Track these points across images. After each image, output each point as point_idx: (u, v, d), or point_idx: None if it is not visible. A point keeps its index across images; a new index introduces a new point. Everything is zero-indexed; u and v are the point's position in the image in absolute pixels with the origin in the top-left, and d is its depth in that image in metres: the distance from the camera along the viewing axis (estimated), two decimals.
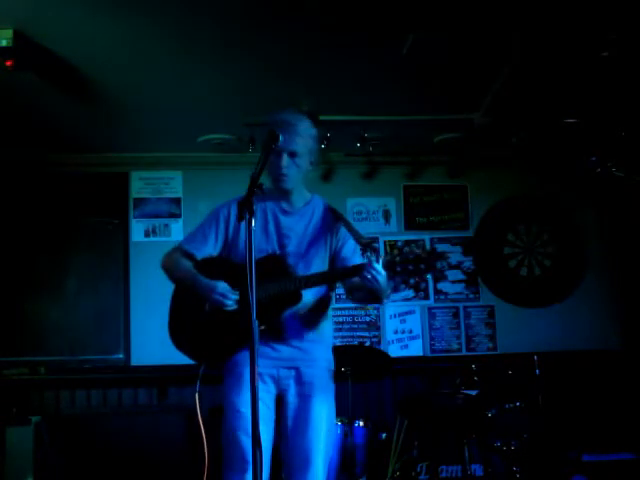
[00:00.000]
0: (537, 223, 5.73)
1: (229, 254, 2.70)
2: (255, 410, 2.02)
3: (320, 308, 2.70)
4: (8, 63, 3.61)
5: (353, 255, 2.71)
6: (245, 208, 2.13)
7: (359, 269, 2.44)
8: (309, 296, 2.62)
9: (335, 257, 2.71)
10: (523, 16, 3.52)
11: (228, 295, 2.53)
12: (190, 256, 2.71)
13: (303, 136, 2.62)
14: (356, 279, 2.51)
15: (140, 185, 5.46)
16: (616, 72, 4.06)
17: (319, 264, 2.67)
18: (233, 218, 2.66)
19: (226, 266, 2.66)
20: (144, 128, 4.91)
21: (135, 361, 5.19)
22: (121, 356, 5.21)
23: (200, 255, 2.70)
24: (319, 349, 2.71)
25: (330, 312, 2.79)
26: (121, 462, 4.67)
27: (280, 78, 4.17)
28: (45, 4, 3.32)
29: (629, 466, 4.34)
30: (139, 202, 5.43)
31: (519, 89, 4.34)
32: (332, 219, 2.73)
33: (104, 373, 5.17)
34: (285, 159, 2.60)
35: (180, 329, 2.70)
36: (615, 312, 5.52)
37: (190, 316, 2.68)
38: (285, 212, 2.71)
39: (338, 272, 2.64)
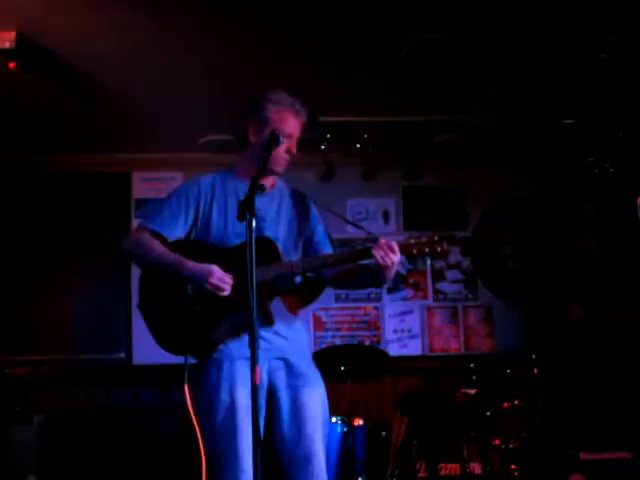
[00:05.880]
0: (536, 223, 5.74)
1: (198, 236, 2.54)
2: (255, 410, 1.97)
3: (312, 292, 2.61)
4: (11, 65, 3.65)
5: (325, 239, 2.63)
6: (246, 209, 2.05)
7: (369, 250, 2.33)
8: (297, 280, 2.53)
9: (308, 242, 2.62)
10: (523, 17, 3.55)
11: (226, 280, 2.36)
12: (161, 237, 2.50)
13: (303, 121, 2.56)
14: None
15: (141, 185, 5.50)
16: (614, 73, 4.08)
17: (294, 248, 2.57)
18: (203, 198, 2.53)
19: (205, 249, 2.48)
20: (145, 128, 4.93)
21: (137, 360, 5.22)
22: (123, 355, 5.24)
23: (171, 236, 2.51)
24: (304, 337, 2.60)
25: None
26: (123, 461, 4.71)
27: (280, 78, 4.19)
28: (47, 6, 3.35)
29: (627, 464, 4.35)
30: (140, 202, 5.46)
31: (519, 89, 4.36)
32: (302, 202, 2.64)
33: (106, 372, 5.19)
34: (293, 146, 2.53)
35: (159, 317, 2.48)
36: None
37: (170, 302, 2.46)
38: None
39: (345, 254, 2.45)
